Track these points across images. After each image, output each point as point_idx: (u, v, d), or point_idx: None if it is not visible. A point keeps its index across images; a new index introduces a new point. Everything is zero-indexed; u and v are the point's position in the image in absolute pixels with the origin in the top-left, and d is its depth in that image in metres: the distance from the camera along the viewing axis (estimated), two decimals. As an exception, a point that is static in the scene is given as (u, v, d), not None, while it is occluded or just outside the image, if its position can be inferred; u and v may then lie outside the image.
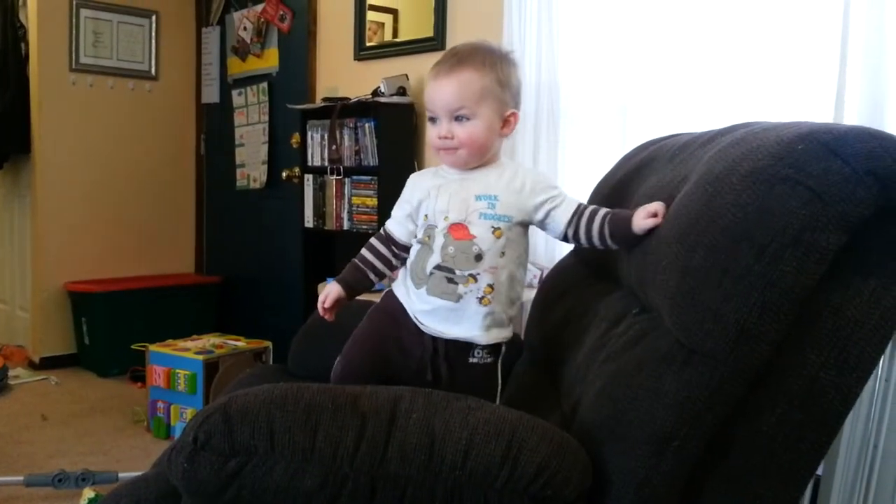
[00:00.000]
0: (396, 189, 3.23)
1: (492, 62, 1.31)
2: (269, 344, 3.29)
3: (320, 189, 3.42)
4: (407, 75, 3.26)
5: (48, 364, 4.05)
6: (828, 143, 0.96)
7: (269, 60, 4.11)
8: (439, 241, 1.31)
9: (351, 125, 3.26)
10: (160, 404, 3.07)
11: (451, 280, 1.29)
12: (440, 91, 1.31)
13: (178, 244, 4.61)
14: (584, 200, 1.43)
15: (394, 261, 1.42)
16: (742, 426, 1.04)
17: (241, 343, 3.23)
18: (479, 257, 1.28)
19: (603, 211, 1.31)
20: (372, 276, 1.43)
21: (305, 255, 3.54)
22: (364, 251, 1.44)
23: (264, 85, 4.12)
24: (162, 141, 4.47)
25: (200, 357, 2.99)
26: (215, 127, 4.52)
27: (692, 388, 1.01)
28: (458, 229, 1.30)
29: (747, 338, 0.97)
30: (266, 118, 4.12)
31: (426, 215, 1.35)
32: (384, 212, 2.99)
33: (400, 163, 3.25)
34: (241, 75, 4.30)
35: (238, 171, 4.32)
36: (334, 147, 3.29)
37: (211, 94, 4.51)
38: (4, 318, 4.50)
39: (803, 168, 0.96)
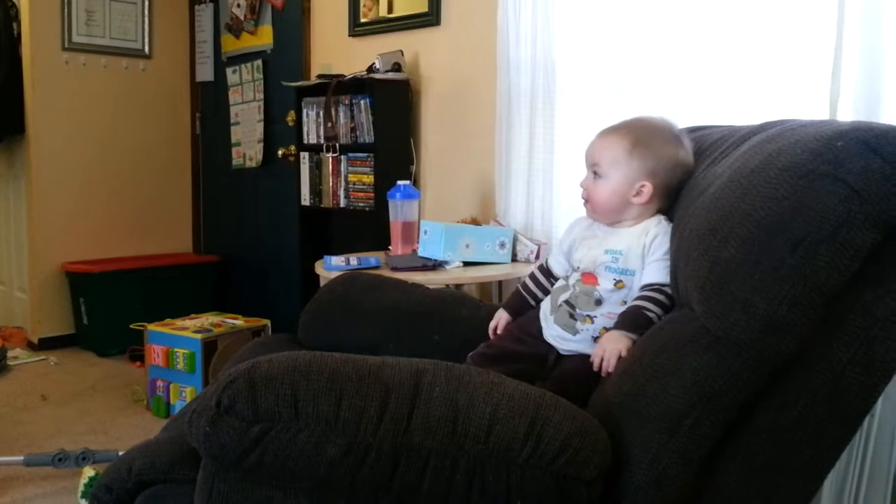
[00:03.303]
0: (393, 166, 3.27)
1: (637, 135, 1.42)
2: (267, 322, 3.30)
3: (316, 167, 3.41)
4: (402, 51, 3.24)
5: (47, 344, 4.05)
6: (868, 141, 0.97)
7: (264, 37, 4.08)
8: (572, 280, 1.48)
9: (346, 102, 3.24)
10: (159, 383, 3.07)
11: (571, 315, 1.44)
12: (588, 146, 1.49)
13: (175, 223, 4.59)
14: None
15: (552, 289, 1.57)
16: (764, 417, 1.04)
17: (240, 322, 3.24)
18: (598, 302, 1.42)
19: (634, 304, 1.37)
20: (532, 302, 1.62)
21: (302, 234, 3.54)
22: (527, 280, 1.65)
23: (259, 62, 4.09)
24: (157, 120, 4.44)
25: (199, 336, 3.00)
26: (210, 105, 4.50)
27: (710, 371, 1.02)
28: (588, 276, 1.45)
29: (775, 329, 0.98)
30: (261, 96, 4.10)
31: (570, 260, 1.53)
32: (381, 189, 2.99)
33: (396, 140, 3.25)
34: (235, 53, 4.26)
35: (234, 149, 4.30)
36: (330, 124, 3.28)
37: (205, 73, 4.48)
38: (2, 299, 4.49)
39: (843, 164, 0.96)
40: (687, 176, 1.41)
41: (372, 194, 3.15)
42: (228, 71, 4.28)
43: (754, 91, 2.16)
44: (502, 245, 2.59)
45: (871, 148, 0.96)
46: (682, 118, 2.25)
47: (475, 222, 2.83)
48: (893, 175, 0.94)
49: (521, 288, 1.65)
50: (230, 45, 4.29)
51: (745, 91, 2.18)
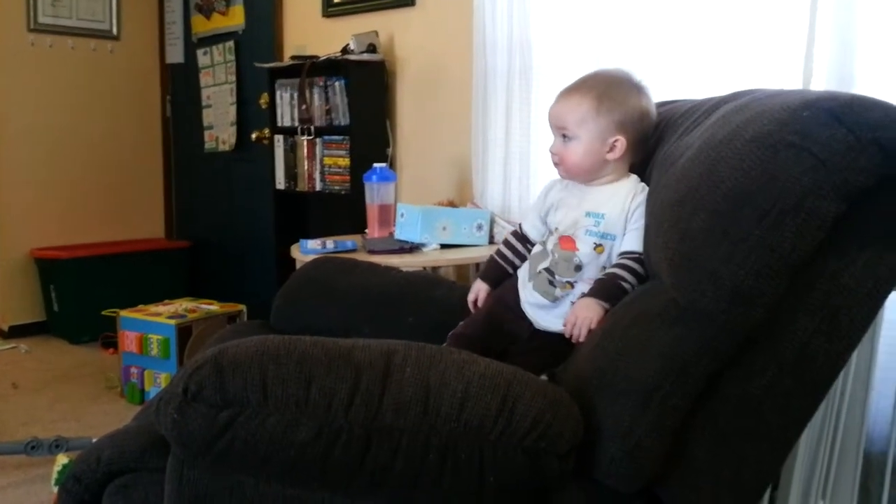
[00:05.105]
0: (369, 148, 3.24)
1: (599, 90, 1.38)
2: (242, 307, 3.26)
3: (291, 150, 3.37)
4: (377, 32, 3.20)
5: (17, 332, 4.00)
6: (833, 111, 0.96)
7: (235, 18, 4.02)
8: (550, 246, 1.45)
9: (321, 84, 3.21)
10: (133, 370, 3.04)
11: (551, 282, 1.43)
12: (550, 110, 1.45)
13: (147, 208, 4.54)
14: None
15: (528, 255, 1.56)
16: (732, 388, 1.05)
17: (215, 307, 3.20)
18: (578, 268, 1.41)
19: (611, 272, 1.36)
20: (510, 269, 1.59)
21: (277, 218, 3.52)
22: (502, 247, 1.61)
23: (230, 44, 4.04)
24: (126, 103, 4.38)
25: (173, 322, 2.96)
26: (181, 88, 4.43)
27: (680, 343, 1.03)
28: (566, 241, 1.42)
29: (742, 300, 0.98)
30: (233, 78, 4.04)
31: (547, 223, 1.51)
32: (357, 172, 2.96)
33: (371, 122, 3.22)
34: (206, 34, 4.20)
35: (206, 133, 4.25)
36: (304, 107, 3.24)
37: (175, 54, 4.41)
38: (-30, 286, 4.42)
39: (808, 134, 0.96)
40: (653, 127, 1.41)
41: (348, 177, 3.13)
42: (199, 52, 4.22)
43: (729, 72, 2.16)
44: (479, 227, 2.58)
45: (837, 117, 0.96)
46: (658, 98, 2.26)
47: (452, 204, 2.82)
48: (858, 145, 0.94)
49: (496, 256, 1.62)
50: (201, 25, 4.22)
51: (721, 72, 2.18)
